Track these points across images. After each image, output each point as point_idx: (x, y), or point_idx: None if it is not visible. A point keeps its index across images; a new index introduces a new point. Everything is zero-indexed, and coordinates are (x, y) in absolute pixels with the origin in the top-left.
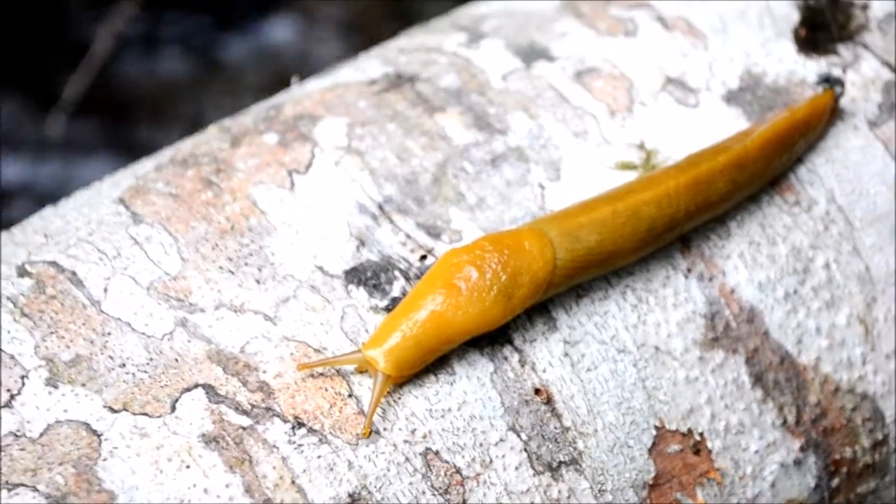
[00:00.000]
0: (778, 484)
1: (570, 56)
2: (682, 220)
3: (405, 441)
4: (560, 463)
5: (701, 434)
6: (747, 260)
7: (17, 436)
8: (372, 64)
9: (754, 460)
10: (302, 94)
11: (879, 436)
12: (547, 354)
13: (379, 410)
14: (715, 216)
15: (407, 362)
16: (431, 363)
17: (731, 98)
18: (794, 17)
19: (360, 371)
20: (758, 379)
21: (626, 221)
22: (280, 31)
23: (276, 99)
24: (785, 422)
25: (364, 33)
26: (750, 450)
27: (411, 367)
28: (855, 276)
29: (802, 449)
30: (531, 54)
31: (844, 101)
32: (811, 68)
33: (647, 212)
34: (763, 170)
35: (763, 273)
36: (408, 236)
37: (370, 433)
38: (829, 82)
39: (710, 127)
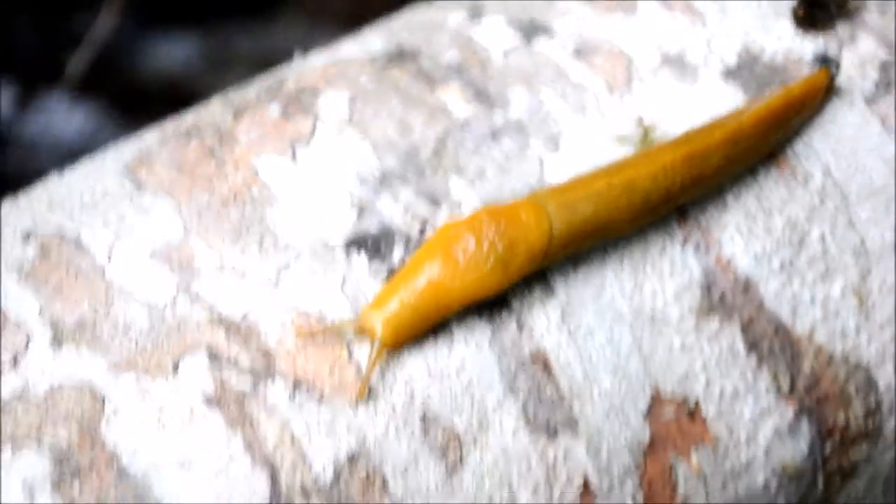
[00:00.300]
0: (771, 449)
1: (570, 33)
2: (676, 194)
3: (404, 403)
4: (556, 427)
5: (696, 400)
6: (743, 231)
7: (21, 396)
8: (374, 39)
9: (748, 426)
10: (305, 68)
11: (872, 404)
12: (545, 321)
13: (378, 373)
14: (710, 190)
15: (405, 329)
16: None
17: (729, 75)
18: None
19: (358, 337)
20: (752, 347)
21: (622, 194)
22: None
23: (279, 73)
24: (779, 389)
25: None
26: (744, 416)
27: (409, 334)
28: (850, 248)
29: (796, 415)
30: (532, 31)
31: (841, 79)
32: (809, 46)
33: (642, 185)
34: (757, 146)
35: (759, 244)
36: (408, 206)
37: (365, 395)
38: (825, 62)
39: (707, 103)
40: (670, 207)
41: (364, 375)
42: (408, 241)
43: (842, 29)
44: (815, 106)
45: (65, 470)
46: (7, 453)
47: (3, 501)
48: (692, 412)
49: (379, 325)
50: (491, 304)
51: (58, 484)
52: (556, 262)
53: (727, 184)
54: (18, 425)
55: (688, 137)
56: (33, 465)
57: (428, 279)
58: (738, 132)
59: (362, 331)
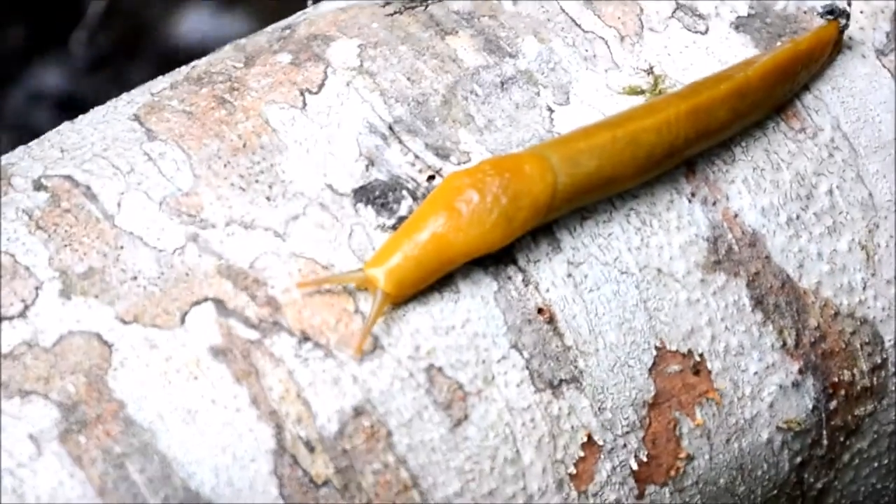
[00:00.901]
0: (776, 405)
1: None
2: (681, 148)
3: (409, 357)
4: (561, 381)
5: (701, 355)
6: (751, 185)
7: (30, 345)
8: None
9: (753, 381)
10: (316, 15)
11: (878, 360)
12: (550, 275)
13: (384, 326)
14: (715, 144)
15: (408, 281)
16: (437, 281)
17: (740, 25)
18: None
19: (360, 289)
20: (758, 302)
21: (626, 147)
22: None
23: (291, 19)
24: (784, 344)
25: None
26: (749, 371)
27: (412, 287)
28: (858, 202)
29: (801, 371)
30: None
31: (852, 30)
32: None
33: (646, 139)
34: (764, 99)
35: (766, 198)
36: (416, 156)
37: (362, 350)
38: (834, 14)
39: (718, 53)
40: (675, 161)
41: (364, 327)
42: (416, 192)
43: None
44: (823, 60)
45: (71, 420)
46: (15, 403)
47: (10, 450)
48: (697, 367)
49: (382, 277)
50: (496, 259)
51: (64, 434)
52: (558, 217)
53: (727, 140)
54: (27, 375)
55: (693, 90)
56: (41, 415)
57: (431, 232)
58: (745, 85)
59: (365, 283)
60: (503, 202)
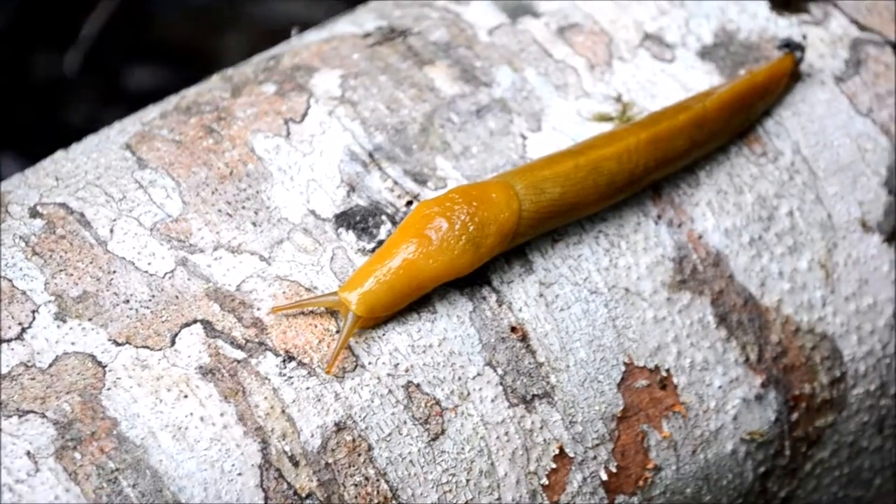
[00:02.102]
0: (740, 417)
1: (553, 12)
2: (641, 175)
3: (388, 374)
4: (533, 396)
5: (667, 370)
6: (715, 207)
7: (27, 366)
8: (367, 17)
9: (718, 395)
10: (300, 46)
11: (837, 373)
12: (523, 295)
13: (364, 346)
14: (674, 171)
15: (380, 305)
16: (415, 303)
17: (705, 53)
18: None
19: (332, 312)
20: (722, 319)
21: (588, 175)
22: None
23: (276, 49)
24: (747, 359)
25: None
26: (714, 385)
27: (384, 310)
28: (817, 223)
29: (764, 385)
30: (517, 10)
31: (812, 57)
32: (783, 25)
33: (607, 166)
34: (721, 129)
35: (729, 220)
36: (395, 183)
37: (333, 369)
38: (790, 47)
39: (684, 81)
40: (636, 188)
41: (336, 348)
42: (395, 217)
43: (815, 8)
44: (779, 90)
45: (67, 438)
46: (14, 421)
47: (9, 467)
48: (664, 382)
49: (354, 300)
50: (471, 280)
51: (60, 451)
52: (525, 241)
53: (692, 165)
54: (24, 395)
55: (652, 119)
56: (38, 433)
57: (403, 258)
58: (702, 115)
59: (339, 305)
60: (471, 229)
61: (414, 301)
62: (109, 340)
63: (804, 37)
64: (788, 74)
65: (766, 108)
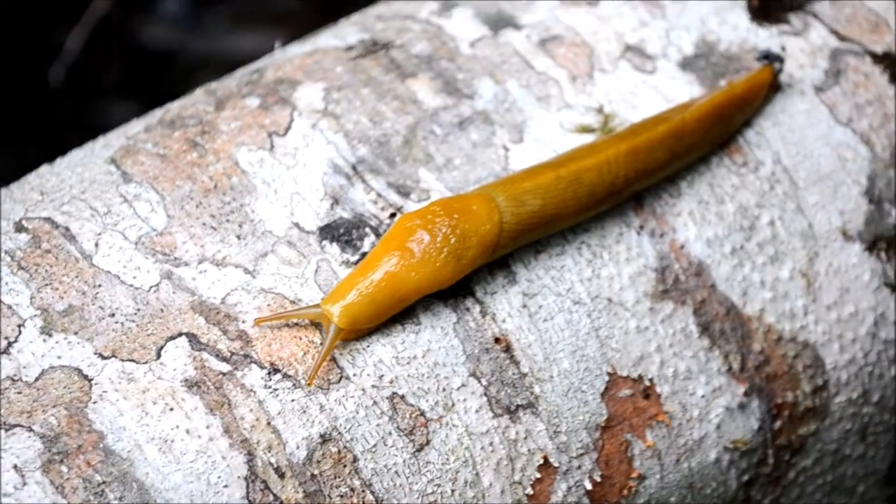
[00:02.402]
0: (723, 426)
1: (535, 24)
2: (621, 187)
3: (373, 386)
4: (518, 406)
5: (651, 380)
6: (696, 218)
7: (13, 380)
8: (350, 30)
9: (701, 404)
10: (283, 59)
11: (820, 382)
12: (506, 306)
13: (349, 357)
14: (654, 183)
15: (362, 317)
16: (399, 314)
17: (686, 64)
18: None
19: (316, 325)
20: (705, 328)
21: (568, 187)
22: None
23: (259, 63)
24: (730, 368)
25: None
26: (697, 394)
27: (366, 322)
28: (798, 232)
29: (746, 394)
30: (499, 22)
31: (792, 67)
32: (763, 36)
33: (587, 178)
34: (700, 141)
35: (711, 230)
36: (379, 195)
37: (313, 381)
38: (769, 58)
39: (665, 91)
40: (616, 199)
41: (317, 362)
42: (378, 229)
43: (794, 19)
44: (758, 102)
45: (54, 451)
46: (1, 435)
47: None
48: (647, 392)
49: (336, 313)
50: (455, 291)
51: (47, 465)
52: (505, 253)
53: (673, 175)
54: (11, 409)
55: (632, 131)
56: (25, 446)
57: (385, 271)
58: (681, 127)
59: (321, 318)
60: (452, 241)
61: (398, 313)
62: (95, 354)
63: (783, 48)
64: (768, 86)
65: (745, 120)
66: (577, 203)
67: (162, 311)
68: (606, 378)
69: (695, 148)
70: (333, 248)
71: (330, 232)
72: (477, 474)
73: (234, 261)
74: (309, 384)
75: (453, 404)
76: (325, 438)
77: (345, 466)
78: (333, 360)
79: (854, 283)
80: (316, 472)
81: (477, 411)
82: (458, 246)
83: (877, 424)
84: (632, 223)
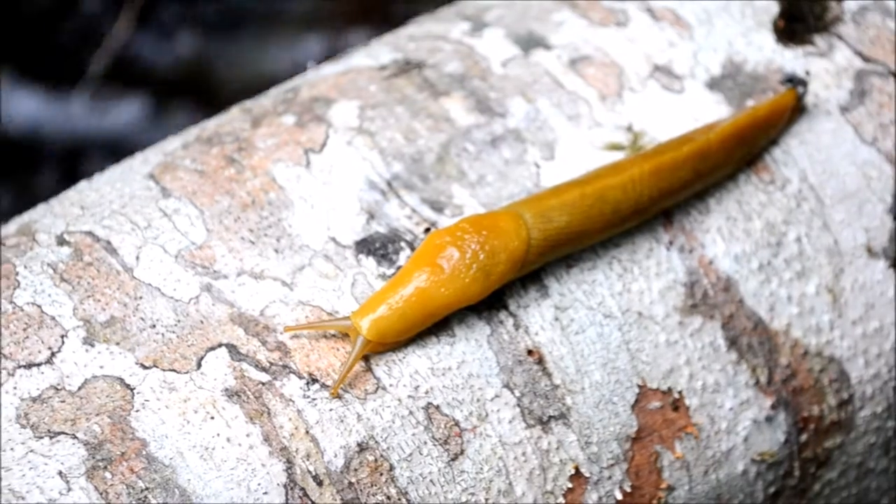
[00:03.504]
0: (750, 438)
1: (565, 45)
2: (645, 205)
3: (409, 396)
4: (550, 417)
5: (680, 392)
6: (725, 234)
7: (57, 389)
8: (382, 50)
9: (729, 416)
10: (317, 78)
11: (845, 395)
12: (539, 319)
13: (385, 368)
14: (678, 202)
15: (391, 330)
16: (434, 327)
17: (713, 84)
18: (774, 9)
19: (343, 336)
20: (733, 342)
21: (594, 204)
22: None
23: (293, 82)
24: (757, 382)
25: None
26: (725, 407)
27: (395, 336)
28: (824, 249)
29: (773, 407)
30: (530, 42)
31: (817, 87)
32: (788, 57)
33: (612, 196)
34: (724, 162)
35: (739, 246)
36: (413, 210)
37: (337, 392)
38: (793, 82)
39: (693, 111)
40: (641, 217)
41: (342, 372)
42: (413, 243)
43: (819, 40)
44: (782, 125)
45: (98, 458)
46: (45, 442)
47: (41, 486)
48: (676, 404)
49: (366, 326)
50: (489, 305)
51: (91, 471)
52: (533, 269)
53: (702, 192)
54: (55, 417)
55: (657, 151)
56: (69, 453)
57: (415, 287)
58: (706, 147)
59: (348, 330)
60: (481, 258)
61: (433, 325)
62: (137, 364)
63: (807, 72)
64: (791, 109)
65: (768, 141)
66: (603, 220)
67: (202, 322)
68: (636, 390)
69: (718, 168)
70: (370, 262)
71: (366, 246)
72: (510, 483)
73: (272, 274)
74: (332, 394)
75: (487, 415)
76: (362, 447)
77: (381, 475)
78: (370, 370)
79: (879, 298)
80: (353, 480)
81: (510, 422)
82: (488, 262)
83: None
84: (661, 239)
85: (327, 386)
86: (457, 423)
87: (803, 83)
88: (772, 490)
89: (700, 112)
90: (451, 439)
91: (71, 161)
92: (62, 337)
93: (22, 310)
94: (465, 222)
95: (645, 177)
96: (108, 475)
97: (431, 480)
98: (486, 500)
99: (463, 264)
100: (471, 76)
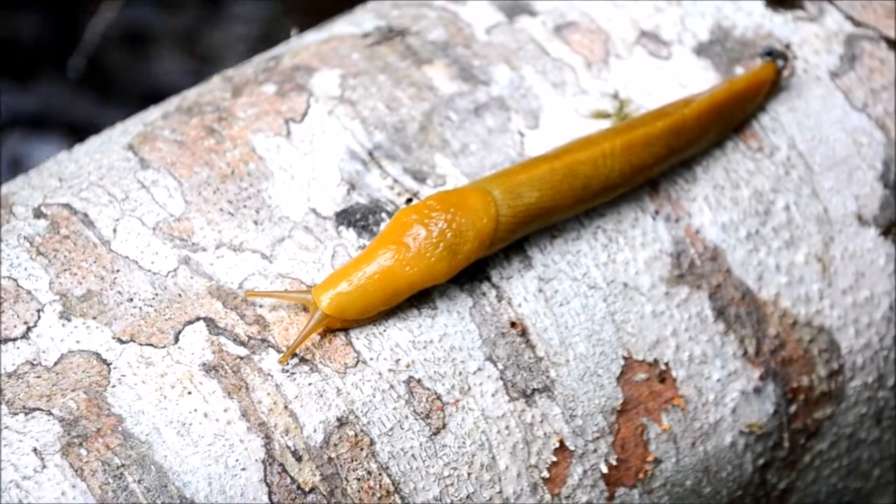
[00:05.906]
0: (738, 410)
1: (550, 11)
2: (616, 181)
3: (390, 370)
4: (534, 390)
5: (666, 364)
6: (712, 202)
7: (33, 364)
8: (366, 17)
9: (716, 388)
10: (299, 46)
11: (835, 366)
12: (522, 290)
13: (365, 341)
14: (651, 177)
15: (352, 308)
16: (415, 299)
17: (701, 50)
18: None
19: (304, 309)
20: (720, 313)
21: (563, 179)
22: None
23: (276, 50)
24: (745, 352)
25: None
26: (712, 378)
27: (357, 313)
28: (814, 217)
29: (762, 378)
30: (514, 9)
31: (807, 53)
32: (778, 22)
33: (582, 170)
34: (698, 137)
35: (727, 215)
36: (395, 180)
37: (287, 361)
38: (772, 55)
39: (680, 78)
40: (613, 193)
41: (293, 343)
42: (395, 212)
43: (810, 5)
44: (759, 100)
45: (73, 434)
46: (20, 419)
47: (15, 464)
48: (663, 376)
49: (325, 301)
50: (471, 276)
51: (66, 448)
52: (503, 247)
53: (689, 160)
54: (31, 393)
55: (630, 125)
56: (44, 430)
57: (379, 265)
58: (681, 123)
59: (308, 303)
60: (448, 236)
61: (414, 297)
62: (114, 338)
63: (787, 46)
64: (769, 83)
65: (745, 116)
66: (573, 195)
67: (180, 295)
68: (622, 362)
69: (693, 143)
70: (350, 234)
71: (346, 217)
72: (493, 458)
73: (252, 246)
74: (281, 363)
75: (469, 388)
76: (341, 422)
77: (361, 450)
78: (350, 343)
79: (869, 267)
80: (333, 455)
81: (493, 395)
82: (455, 241)
83: (892, 409)
84: (647, 208)
85: (306, 360)
86: (439, 397)
87: (783, 56)
88: (761, 462)
89: (687, 79)
90: (432, 413)
91: None
92: (38, 311)
93: None
94: (432, 199)
95: (616, 152)
96: (83, 452)
97: (413, 455)
98: (469, 474)
99: (430, 243)
100: (454, 43)
